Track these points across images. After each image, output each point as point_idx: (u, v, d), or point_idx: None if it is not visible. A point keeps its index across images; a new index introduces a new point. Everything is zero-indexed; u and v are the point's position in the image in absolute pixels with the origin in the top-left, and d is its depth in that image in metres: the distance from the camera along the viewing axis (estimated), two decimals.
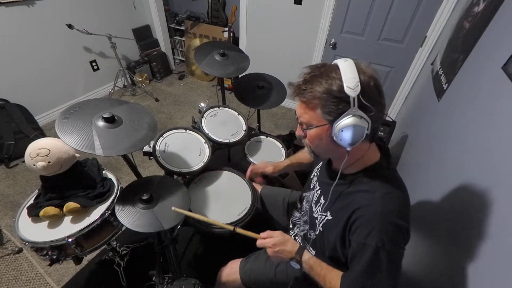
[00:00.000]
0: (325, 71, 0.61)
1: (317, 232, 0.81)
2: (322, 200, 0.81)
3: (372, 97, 0.60)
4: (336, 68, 0.61)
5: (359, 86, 0.58)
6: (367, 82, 0.59)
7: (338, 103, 0.59)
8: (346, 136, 0.60)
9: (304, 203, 0.98)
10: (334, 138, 0.63)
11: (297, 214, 1.03)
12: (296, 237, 0.99)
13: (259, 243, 0.82)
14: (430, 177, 1.13)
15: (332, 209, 0.75)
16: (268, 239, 0.81)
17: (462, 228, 0.79)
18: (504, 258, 0.59)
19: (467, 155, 0.88)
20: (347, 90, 0.58)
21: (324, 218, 0.77)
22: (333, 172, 0.79)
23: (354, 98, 0.58)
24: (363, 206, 0.65)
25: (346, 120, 0.59)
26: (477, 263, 0.68)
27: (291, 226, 1.06)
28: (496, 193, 0.68)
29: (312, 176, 0.96)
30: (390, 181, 0.67)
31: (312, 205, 0.86)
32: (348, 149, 0.62)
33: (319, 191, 0.85)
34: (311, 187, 0.93)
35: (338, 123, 0.60)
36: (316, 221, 0.81)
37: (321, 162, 0.92)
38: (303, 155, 1.17)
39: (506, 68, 0.79)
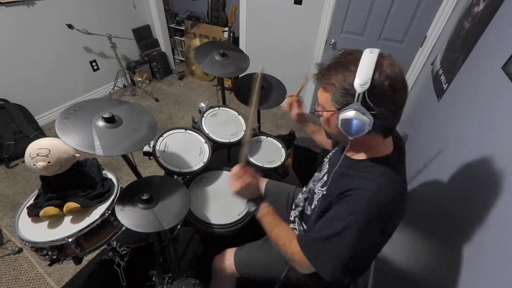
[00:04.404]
0: (348, 61, 0.62)
1: (312, 207, 0.84)
2: (324, 178, 0.84)
3: (381, 97, 0.59)
4: (359, 60, 0.60)
5: (369, 84, 0.57)
6: (381, 82, 0.58)
7: (345, 95, 0.61)
8: (346, 127, 0.62)
9: (310, 183, 1.00)
10: (338, 125, 0.64)
11: (300, 196, 1.05)
12: (296, 218, 1.01)
13: (233, 171, 0.85)
14: (430, 177, 1.13)
15: (329, 186, 0.77)
16: (244, 174, 0.83)
17: (463, 228, 0.79)
18: (505, 257, 0.59)
19: (467, 155, 0.88)
20: (356, 85, 0.58)
21: (321, 193, 0.80)
22: (344, 154, 0.82)
23: (359, 94, 0.58)
24: (357, 188, 0.66)
25: (348, 113, 0.60)
26: (478, 262, 0.68)
27: (293, 208, 1.07)
28: (496, 193, 0.68)
29: (326, 159, 0.98)
30: (391, 174, 0.68)
31: (317, 182, 0.90)
32: (350, 138, 0.64)
33: (326, 169, 0.88)
34: (321, 168, 0.95)
35: (341, 113, 0.62)
36: (315, 195, 0.84)
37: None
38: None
39: (506, 68, 0.79)
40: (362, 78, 0.57)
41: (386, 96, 0.59)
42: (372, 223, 0.63)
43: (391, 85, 0.59)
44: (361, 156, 0.72)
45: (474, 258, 0.70)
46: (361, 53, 0.62)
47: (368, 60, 0.59)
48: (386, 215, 0.64)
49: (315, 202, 0.83)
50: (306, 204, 0.94)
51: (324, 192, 0.78)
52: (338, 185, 0.72)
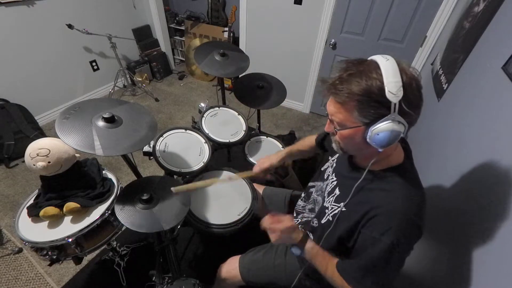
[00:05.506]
0: (364, 70, 0.57)
1: (323, 221, 0.81)
2: (337, 191, 0.80)
3: (413, 100, 0.57)
4: (377, 67, 0.57)
5: (402, 90, 0.54)
6: (409, 84, 0.56)
7: (377, 108, 0.57)
8: (381, 140, 0.58)
9: (313, 192, 0.98)
10: (368, 139, 0.60)
11: (300, 203, 1.04)
12: (299, 225, 0.99)
13: (266, 224, 0.78)
14: (430, 176, 1.12)
15: (348, 202, 0.73)
16: (278, 225, 0.77)
17: (463, 228, 0.79)
18: (504, 257, 0.59)
19: (467, 154, 0.88)
20: (388, 95, 0.54)
21: (337, 209, 0.76)
22: (355, 165, 0.78)
23: (395, 104, 0.55)
24: (384, 205, 0.64)
25: (384, 126, 0.56)
26: (477, 262, 0.68)
27: (294, 215, 1.06)
28: (496, 193, 0.68)
29: (326, 167, 0.95)
30: (411, 182, 0.67)
31: (325, 195, 0.86)
32: (380, 150, 0.61)
33: (335, 182, 0.83)
34: (325, 177, 0.91)
35: (375, 127, 0.58)
36: (327, 210, 0.81)
37: (337, 154, 0.90)
38: (304, 143, 1.13)
39: (506, 68, 0.79)
40: (393, 86, 0.54)
41: (416, 99, 0.58)
42: (405, 239, 0.62)
43: (417, 86, 0.57)
44: (379, 166, 0.69)
45: (473, 258, 0.70)
46: (371, 60, 0.59)
47: (391, 67, 0.56)
48: (415, 228, 0.63)
49: (328, 217, 0.79)
50: (312, 216, 0.91)
51: (343, 209, 0.74)
52: (360, 201, 0.70)
